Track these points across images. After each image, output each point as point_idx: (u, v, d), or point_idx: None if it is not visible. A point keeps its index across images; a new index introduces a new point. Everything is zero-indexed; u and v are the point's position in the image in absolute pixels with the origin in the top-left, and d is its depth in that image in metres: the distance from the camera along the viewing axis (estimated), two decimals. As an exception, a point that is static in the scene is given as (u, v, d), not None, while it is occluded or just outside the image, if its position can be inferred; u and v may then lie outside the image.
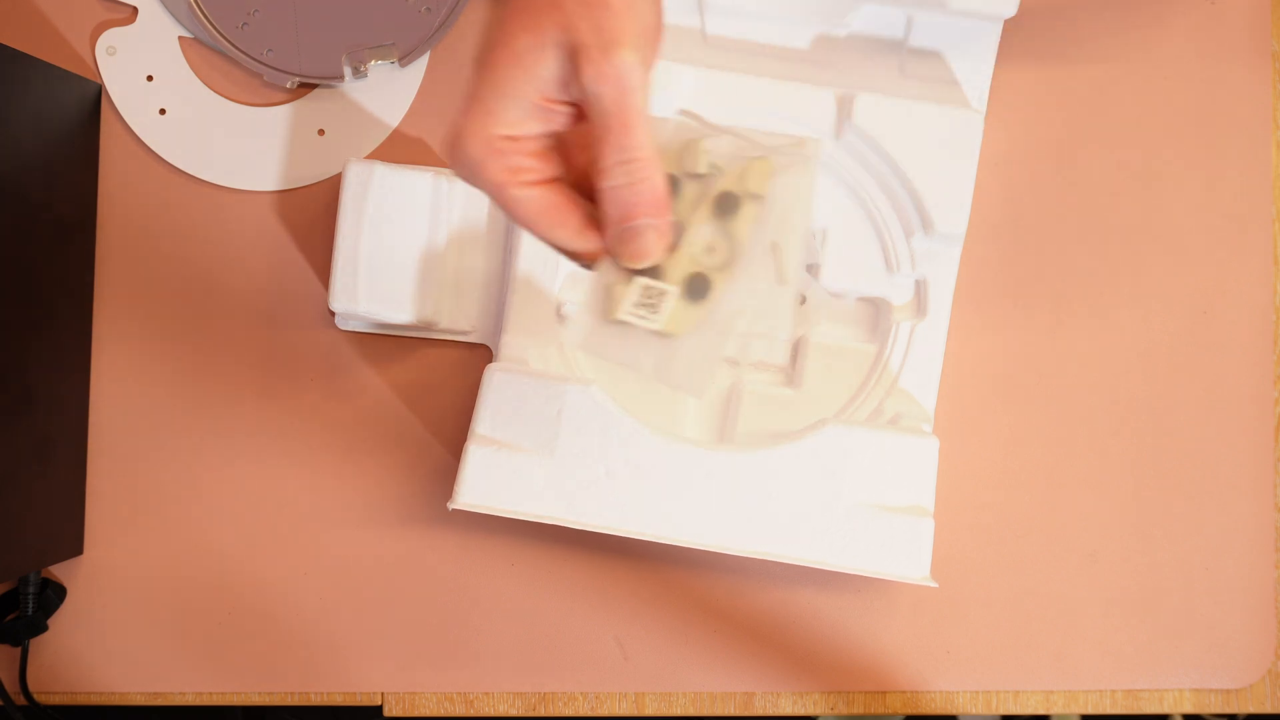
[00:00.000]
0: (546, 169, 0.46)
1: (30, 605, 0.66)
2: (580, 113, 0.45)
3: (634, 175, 0.44)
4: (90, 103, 0.67)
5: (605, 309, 0.47)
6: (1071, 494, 0.69)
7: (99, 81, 0.68)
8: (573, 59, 0.43)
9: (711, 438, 0.67)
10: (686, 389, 0.47)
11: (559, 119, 0.46)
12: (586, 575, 0.68)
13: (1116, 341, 0.70)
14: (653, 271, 0.47)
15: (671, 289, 0.47)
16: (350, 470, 0.68)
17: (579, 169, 0.47)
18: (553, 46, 0.43)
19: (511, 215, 0.46)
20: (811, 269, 0.67)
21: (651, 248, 0.45)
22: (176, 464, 0.68)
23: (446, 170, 0.67)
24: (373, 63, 0.67)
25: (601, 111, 0.43)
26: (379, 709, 0.69)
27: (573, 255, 0.47)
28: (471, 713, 0.68)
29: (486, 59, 0.45)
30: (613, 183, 0.44)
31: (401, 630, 0.68)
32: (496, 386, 0.62)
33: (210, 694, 0.68)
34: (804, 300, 0.67)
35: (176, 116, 0.68)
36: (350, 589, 0.68)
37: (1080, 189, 0.70)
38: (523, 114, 0.45)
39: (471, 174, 0.45)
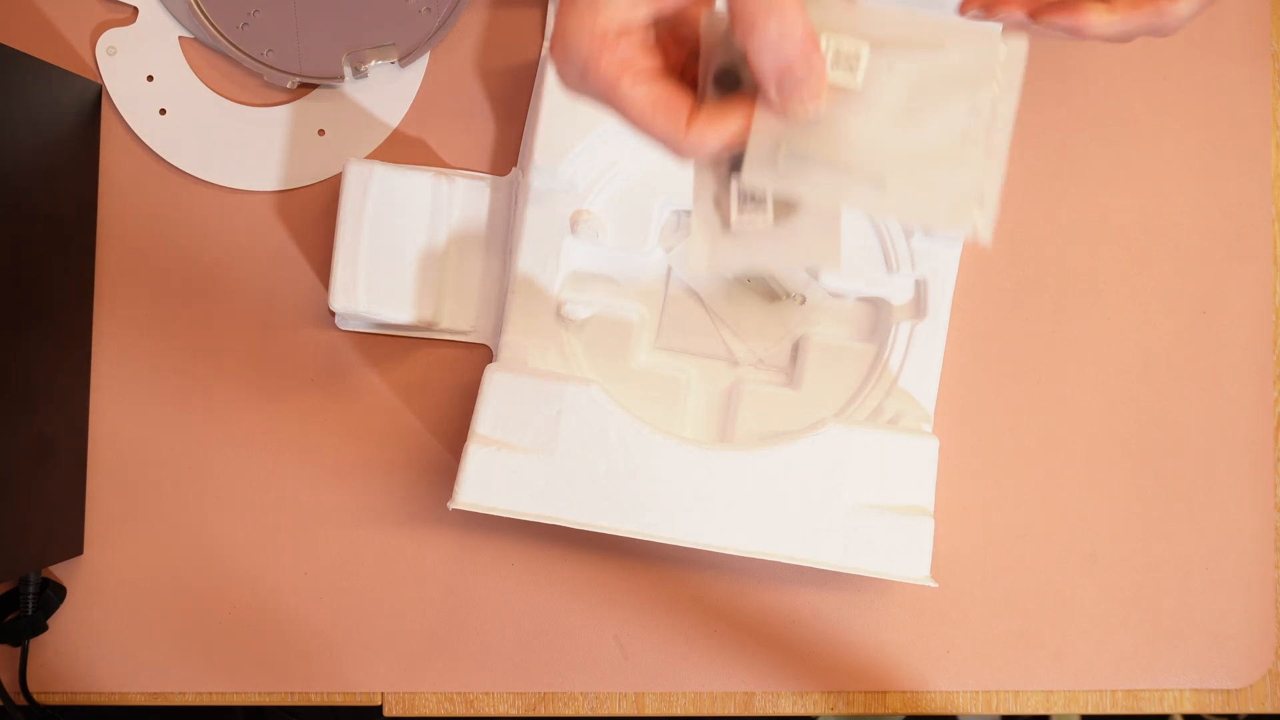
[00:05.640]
0: (654, 62, 0.45)
1: (30, 605, 0.66)
2: None
3: (784, 20, 0.42)
4: (90, 103, 0.67)
5: (715, 224, 0.47)
6: (1072, 494, 0.69)
7: (99, 81, 0.68)
8: None
9: (711, 438, 0.67)
10: (820, 261, 0.47)
11: (669, 1, 0.44)
12: (586, 575, 0.68)
13: (1116, 341, 0.70)
14: (737, 166, 0.46)
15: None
16: (350, 470, 0.68)
17: (675, 67, 0.46)
18: None
19: (623, 113, 0.44)
20: (811, 269, 0.67)
21: (816, 91, 0.43)
22: (176, 464, 0.68)
23: (447, 170, 0.67)
24: (373, 63, 0.67)
25: None
26: (379, 709, 0.69)
27: (677, 151, 0.45)
28: (471, 713, 0.68)
29: None
30: (763, 35, 0.42)
31: (401, 630, 0.68)
32: (496, 386, 0.62)
33: (210, 694, 0.68)
34: (803, 301, 0.67)
35: (177, 116, 0.68)
36: (350, 589, 0.68)
37: (1080, 189, 0.70)
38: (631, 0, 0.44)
39: (580, 74, 0.44)
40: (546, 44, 0.68)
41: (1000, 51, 0.45)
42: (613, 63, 0.44)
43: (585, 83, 0.44)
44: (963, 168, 0.45)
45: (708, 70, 0.46)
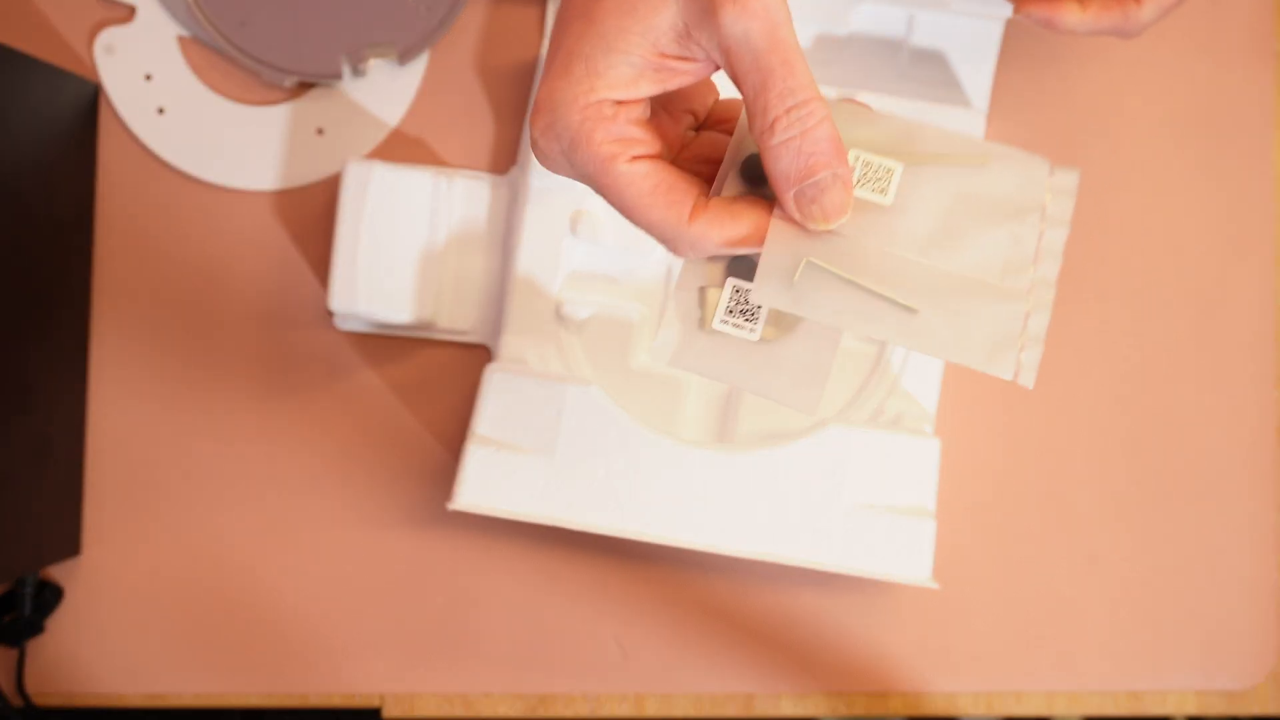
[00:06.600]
0: (654, 141, 0.40)
1: (27, 606, 0.66)
2: (696, 72, 0.40)
3: (806, 122, 0.38)
4: (88, 102, 0.67)
5: (695, 317, 0.42)
6: (1073, 494, 0.69)
7: (97, 81, 0.68)
8: (698, 1, 0.37)
9: (711, 438, 0.67)
10: (794, 404, 0.42)
11: (674, 78, 0.39)
12: (586, 575, 0.68)
13: (1117, 341, 0.70)
14: (745, 270, 0.41)
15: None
16: (349, 470, 0.68)
17: (673, 144, 0.42)
18: None
19: (616, 197, 0.40)
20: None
21: (841, 202, 0.39)
22: (174, 464, 0.68)
23: (446, 170, 0.67)
24: (372, 61, 0.67)
25: (753, 53, 0.37)
26: (378, 710, 0.68)
27: (673, 245, 0.40)
28: (471, 714, 0.68)
29: (589, 9, 0.38)
30: (784, 135, 0.38)
31: (401, 631, 0.68)
32: (496, 387, 0.62)
33: (208, 695, 0.68)
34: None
35: (175, 116, 0.68)
36: (350, 589, 0.68)
37: (1081, 189, 0.70)
38: (635, 72, 0.39)
39: (570, 147, 0.39)
40: (544, 46, 0.68)
41: (1048, 180, 0.42)
42: (608, 139, 0.39)
43: (572, 158, 0.40)
44: (1003, 302, 0.41)
45: (735, 158, 0.41)
